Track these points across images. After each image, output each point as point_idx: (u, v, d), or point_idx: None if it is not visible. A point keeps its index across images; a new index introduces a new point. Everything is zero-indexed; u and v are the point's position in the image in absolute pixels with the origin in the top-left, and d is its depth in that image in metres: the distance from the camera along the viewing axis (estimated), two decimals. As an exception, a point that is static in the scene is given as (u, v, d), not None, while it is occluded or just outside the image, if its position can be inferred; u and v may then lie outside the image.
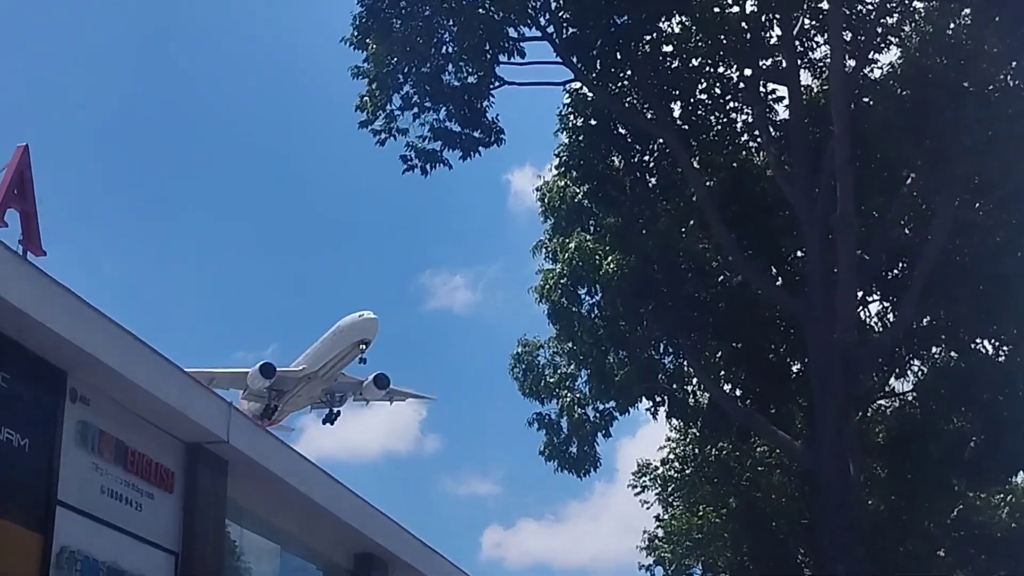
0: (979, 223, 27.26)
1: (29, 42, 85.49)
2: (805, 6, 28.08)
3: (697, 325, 28.89)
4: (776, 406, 29.64)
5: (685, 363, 29.43)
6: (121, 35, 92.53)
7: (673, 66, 28.68)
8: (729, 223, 27.55)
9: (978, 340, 29.16)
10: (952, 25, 25.55)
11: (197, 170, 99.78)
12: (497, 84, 27.49)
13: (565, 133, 29.05)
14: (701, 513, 33.41)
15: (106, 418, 13.23)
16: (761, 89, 28.75)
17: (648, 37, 28.08)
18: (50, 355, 12.35)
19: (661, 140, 28.42)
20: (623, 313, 28.07)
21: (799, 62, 28.18)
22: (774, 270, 29.50)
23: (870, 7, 27.78)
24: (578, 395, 29.67)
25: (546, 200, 29.21)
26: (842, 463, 25.18)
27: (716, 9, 27.58)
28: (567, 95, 29.01)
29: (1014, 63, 25.23)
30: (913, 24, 26.80)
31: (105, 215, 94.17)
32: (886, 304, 29.85)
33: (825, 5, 27.19)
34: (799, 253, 28.94)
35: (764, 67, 28.41)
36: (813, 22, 28.54)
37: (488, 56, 26.92)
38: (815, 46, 28.78)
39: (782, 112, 28.97)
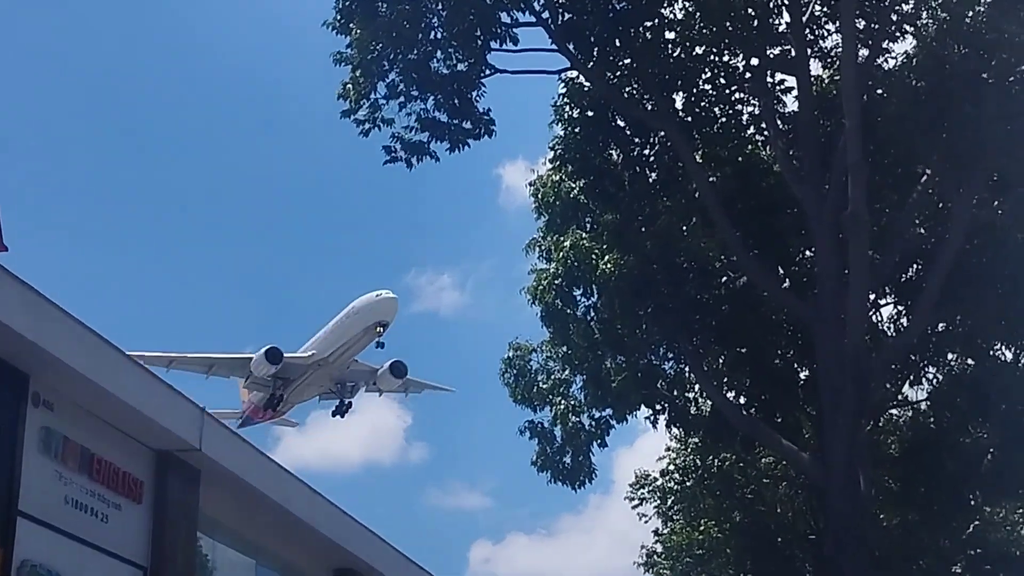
0: (998, 223, 27.31)
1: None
2: (815, -9, 28.17)
3: (699, 328, 28.93)
4: (782, 415, 29.70)
5: (686, 369, 29.47)
6: (93, 20, 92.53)
7: (675, 54, 28.72)
8: (733, 221, 27.58)
9: (996, 346, 29.24)
10: (971, 13, 25.60)
11: (168, 165, 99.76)
12: (488, 72, 27.50)
13: (560, 125, 29.09)
14: (703, 528, 33.48)
15: (71, 424, 13.18)
16: (768, 79, 28.80)
17: (649, 23, 28.11)
18: (11, 357, 12.30)
19: (662, 133, 28.45)
20: (621, 315, 28.08)
21: (809, 51, 28.22)
22: (781, 271, 29.55)
23: (884, -7, 27.85)
24: (573, 402, 29.69)
25: (540, 196, 29.23)
26: (852, 476, 25.22)
27: (721, -6, 27.62)
28: (562, 84, 29.07)
29: (1036, 53, 25.29)
30: (930, 11, 26.83)
31: (74, 210, 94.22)
32: (900, 308, 29.93)
33: (837, -9, 27.26)
34: (808, 253, 29.01)
35: (772, 56, 28.44)
36: (824, 8, 28.60)
37: (479, 42, 26.92)
38: (826, 34, 28.89)
39: (790, 104, 29.09)
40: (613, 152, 29.17)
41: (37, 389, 12.73)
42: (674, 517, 35.18)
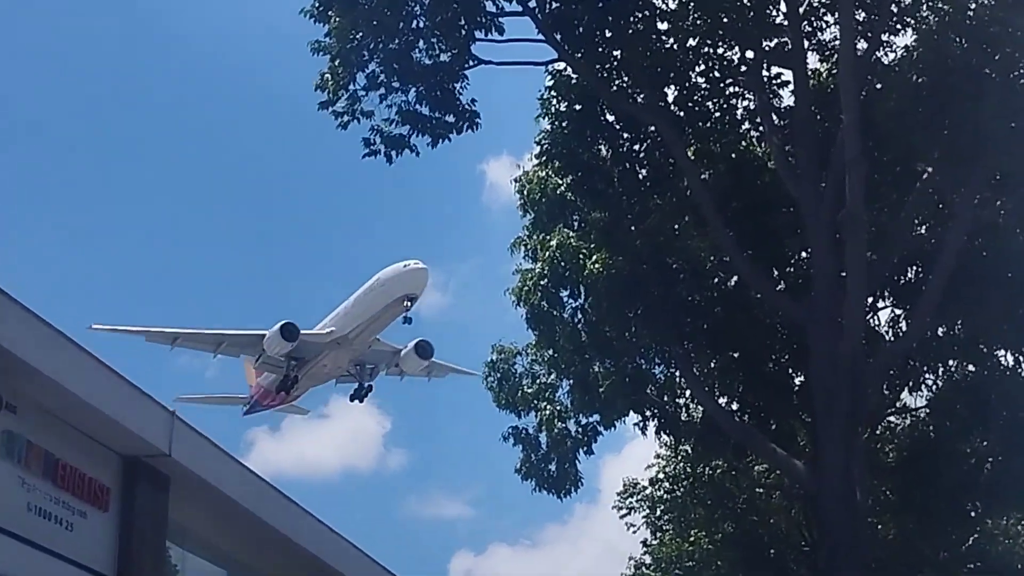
0: (1000, 223, 27.42)
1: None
2: (813, -19, 28.25)
3: (690, 332, 28.98)
4: (776, 422, 29.78)
5: (677, 373, 29.52)
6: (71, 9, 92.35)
7: (667, 46, 28.75)
8: (727, 220, 27.66)
9: (998, 352, 29.35)
10: (973, 5, 25.71)
11: (139, 158, 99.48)
12: (472, 63, 27.51)
13: (547, 119, 29.11)
14: (693, 538, 33.53)
15: (34, 428, 13.14)
16: (764, 73, 28.89)
17: (640, 13, 28.13)
18: (-29, 357, 12.27)
19: (653, 127, 28.49)
20: (609, 318, 28.12)
21: (806, 43, 28.30)
22: (776, 272, 29.64)
23: (884, -16, 27.91)
24: (559, 407, 29.72)
25: (525, 193, 29.25)
26: (848, 485, 25.30)
27: (716, -17, 27.67)
28: (549, 76, 29.09)
29: (1041, 48, 25.41)
30: (930, 4, 26.92)
31: (40, 204, 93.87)
32: (898, 311, 30.04)
33: (835, -19, 27.35)
34: (804, 254, 29.08)
35: (768, 48, 28.52)
36: (822, -1, 28.70)
37: (463, 32, 26.93)
38: (824, 26, 28.95)
39: (787, 98, 29.17)
40: (602, 147, 29.20)
41: (-1, 391, 12.70)
42: (664, 527, 35.23)
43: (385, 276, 48.49)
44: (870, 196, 25.98)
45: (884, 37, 27.82)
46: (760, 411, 29.73)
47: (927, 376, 30.59)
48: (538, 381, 30.21)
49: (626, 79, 28.75)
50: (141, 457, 14.58)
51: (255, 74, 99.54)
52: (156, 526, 14.94)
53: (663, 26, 28.66)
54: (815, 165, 26.92)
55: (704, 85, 29.40)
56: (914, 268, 29.28)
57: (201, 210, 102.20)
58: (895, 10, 27.70)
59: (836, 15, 27.62)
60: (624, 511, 35.92)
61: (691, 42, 28.92)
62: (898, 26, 27.87)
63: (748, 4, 27.90)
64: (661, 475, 34.71)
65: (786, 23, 28.06)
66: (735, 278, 29.14)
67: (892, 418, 32.03)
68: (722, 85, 29.49)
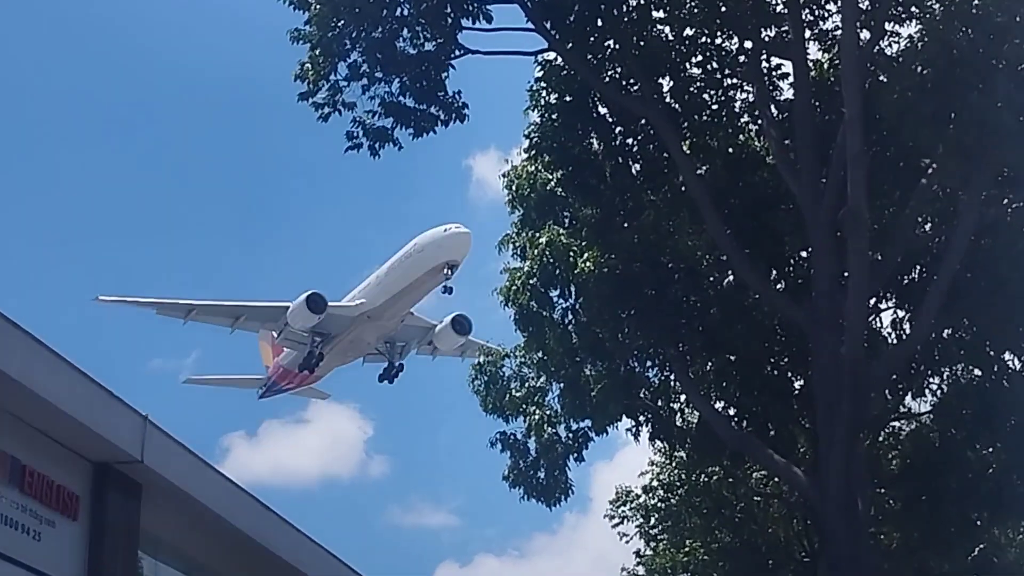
0: (1008, 222, 27.51)
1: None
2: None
3: (686, 333, 29.02)
4: (775, 427, 29.83)
5: (671, 377, 29.55)
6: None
7: (663, 35, 28.80)
8: (724, 217, 27.69)
9: (1005, 355, 29.44)
10: (980, -6, 25.76)
11: (114, 153, 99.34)
12: (459, 53, 27.52)
13: (536, 111, 29.13)
14: (688, 548, 33.66)
15: (0, 433, 13.16)
16: (763, 64, 28.92)
17: (635, 1, 28.19)
18: (-65, 359, 12.28)
19: (647, 120, 28.52)
20: (601, 318, 28.15)
21: (807, 33, 28.36)
22: (775, 272, 29.68)
23: (888, -29, 27.99)
24: (548, 412, 29.75)
25: (514, 188, 29.25)
26: (849, 493, 25.38)
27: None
28: (539, 67, 29.11)
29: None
30: (936, -8, 27.01)
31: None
32: (902, 312, 30.10)
33: (837, -32, 27.40)
34: (803, 253, 29.13)
35: (767, 38, 28.57)
36: (823, -14, 28.75)
37: (449, 20, 26.95)
38: (825, 15, 28.98)
39: (786, 91, 29.20)
40: (594, 141, 29.22)
41: (-37, 395, 12.71)
42: (657, 537, 35.35)
43: (423, 241, 46.74)
44: (872, 193, 26.02)
45: (887, 27, 27.84)
46: (758, 416, 29.78)
47: (931, 380, 30.67)
48: (527, 384, 30.24)
49: (619, 70, 28.78)
50: (112, 463, 14.64)
51: (230, 64, 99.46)
52: (127, 535, 15.00)
53: (659, 15, 28.71)
54: (815, 160, 26.96)
55: (701, 76, 29.44)
56: (918, 268, 29.32)
57: (174, 207, 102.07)
58: (899, -2, 27.78)
59: (838, 3, 27.65)
60: (616, 520, 36.07)
61: (688, 32, 28.97)
62: (902, 15, 27.88)
63: (747, -8, 27.96)
64: (655, 483, 34.83)
65: (786, 12, 28.10)
66: (732, 277, 29.17)
67: (895, 424, 32.13)
68: (719, 76, 29.54)
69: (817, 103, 28.01)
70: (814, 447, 27.55)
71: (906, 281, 29.52)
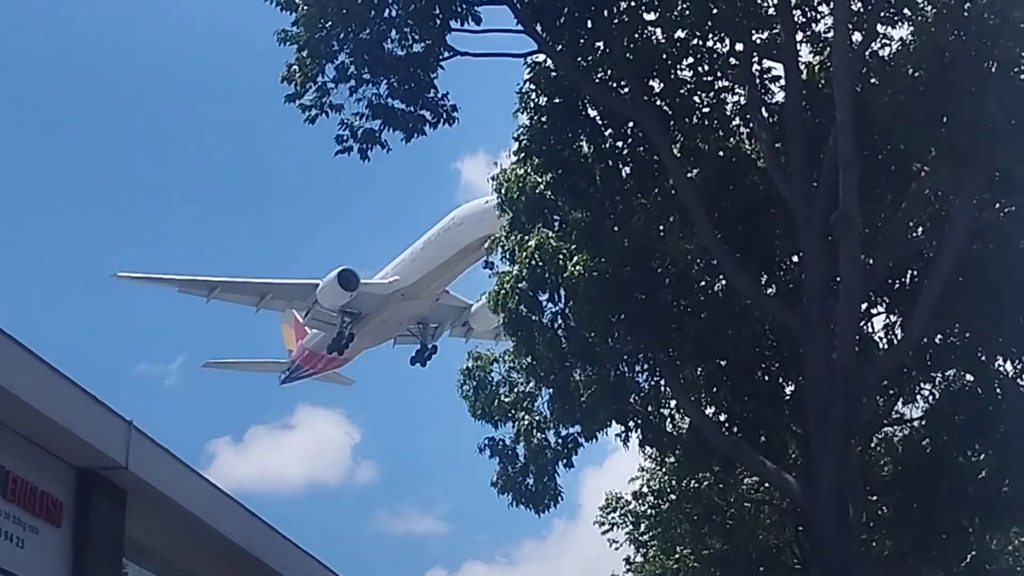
0: (1001, 226, 27.58)
1: None
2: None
3: (676, 338, 29.03)
4: (766, 433, 29.85)
5: (662, 382, 29.58)
6: None
7: (653, 37, 28.84)
8: (715, 221, 27.72)
9: (998, 360, 29.52)
10: (973, -4, 25.84)
11: (102, 152, 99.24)
12: (448, 55, 27.54)
13: (525, 113, 29.12)
14: (678, 555, 33.66)
15: (-17, 438, 13.13)
16: (755, 66, 28.97)
17: (625, 3, 28.23)
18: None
19: (637, 123, 28.56)
20: (591, 323, 28.14)
21: (798, 36, 28.42)
22: (766, 276, 29.71)
23: (880, -27, 28.06)
24: (537, 418, 29.77)
25: (503, 191, 29.24)
26: (841, 499, 25.42)
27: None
28: (528, 69, 29.09)
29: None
30: (929, -6, 27.09)
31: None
32: (894, 317, 30.16)
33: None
34: (795, 257, 29.18)
35: (758, 41, 28.63)
36: (815, -12, 28.81)
37: (438, 22, 26.96)
38: (817, 17, 29.05)
39: (778, 94, 29.24)
40: (583, 144, 29.23)
41: (-55, 400, 12.68)
42: (648, 544, 35.33)
43: (463, 214, 45.06)
44: (864, 196, 26.09)
45: (879, 29, 27.95)
46: (749, 422, 29.79)
47: (923, 386, 30.74)
48: (516, 390, 30.26)
49: (609, 72, 28.83)
50: (96, 469, 14.60)
51: (216, 65, 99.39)
52: (112, 542, 14.97)
53: (650, 17, 28.74)
54: (807, 163, 27.01)
55: (692, 79, 29.46)
56: (910, 272, 29.40)
57: (161, 208, 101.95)
58: (892, 0, 27.83)
59: (830, 5, 27.72)
60: (606, 527, 36.04)
61: (679, 34, 29.02)
62: (894, 18, 27.98)
63: (739, -7, 28.00)
64: (645, 489, 34.82)
65: (778, 14, 28.10)
66: (723, 282, 29.20)
67: (887, 429, 32.20)
68: (710, 79, 29.57)
69: (809, 106, 28.08)
70: (805, 453, 27.59)
71: (898, 285, 29.59)
